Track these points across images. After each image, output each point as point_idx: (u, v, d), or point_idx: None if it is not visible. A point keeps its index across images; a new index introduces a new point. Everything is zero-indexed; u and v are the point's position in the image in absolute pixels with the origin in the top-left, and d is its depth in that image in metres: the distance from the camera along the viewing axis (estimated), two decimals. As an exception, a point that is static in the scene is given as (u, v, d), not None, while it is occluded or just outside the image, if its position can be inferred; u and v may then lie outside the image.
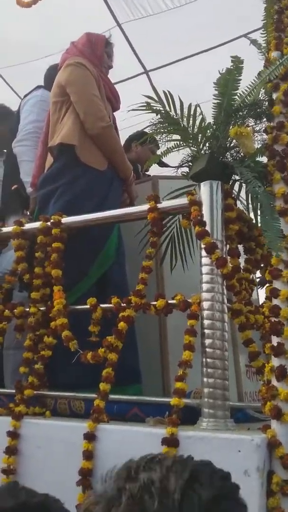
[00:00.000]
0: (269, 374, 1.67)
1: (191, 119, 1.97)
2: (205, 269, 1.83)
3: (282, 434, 1.59)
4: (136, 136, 3.60)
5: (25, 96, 3.25)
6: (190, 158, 2.07)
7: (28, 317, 2.25)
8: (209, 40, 4.50)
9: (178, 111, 1.99)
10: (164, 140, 2.12)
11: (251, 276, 2.08)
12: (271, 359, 1.69)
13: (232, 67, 1.94)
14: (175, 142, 2.09)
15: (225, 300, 1.82)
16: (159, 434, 1.66)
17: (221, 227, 1.87)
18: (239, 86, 1.97)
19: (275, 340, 1.69)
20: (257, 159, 1.95)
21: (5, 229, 2.48)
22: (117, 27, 4.54)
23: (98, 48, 2.82)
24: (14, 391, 2.15)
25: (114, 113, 2.84)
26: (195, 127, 1.98)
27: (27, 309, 2.26)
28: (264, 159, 1.94)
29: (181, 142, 2.07)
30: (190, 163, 2.06)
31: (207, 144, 2.00)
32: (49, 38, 4.27)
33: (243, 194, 2.03)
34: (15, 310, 2.28)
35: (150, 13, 4.49)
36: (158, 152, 2.77)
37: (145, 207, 2.06)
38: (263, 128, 1.99)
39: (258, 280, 2.24)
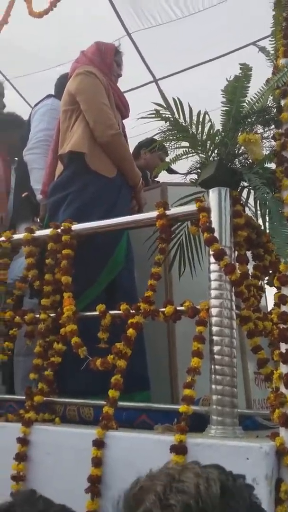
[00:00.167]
0: (277, 381, 1.66)
1: (199, 126, 1.98)
2: (213, 276, 1.83)
3: (291, 441, 1.57)
4: (145, 143, 3.63)
5: (36, 105, 3.30)
6: (198, 165, 2.07)
7: (38, 324, 2.26)
8: (218, 48, 4.51)
9: (187, 118, 2.00)
10: (173, 147, 2.13)
11: (259, 283, 2.08)
12: (280, 366, 1.68)
13: (240, 74, 1.95)
14: (184, 149, 2.10)
15: (234, 307, 1.82)
16: (168, 441, 1.65)
17: (230, 234, 1.87)
18: (247, 93, 1.97)
19: (283, 347, 1.68)
20: (266, 165, 1.94)
21: (16, 236, 2.50)
22: (126, 36, 4.57)
23: (107, 56, 2.85)
24: (24, 397, 2.16)
25: (123, 121, 2.87)
26: (204, 134, 1.98)
27: (37, 316, 2.27)
28: (272, 166, 1.94)
29: (189, 149, 2.07)
30: (199, 170, 2.06)
31: (215, 151, 2.00)
32: (59, 48, 4.32)
33: (251, 200, 2.03)
34: (26, 317, 2.29)
35: (159, 22, 4.52)
36: (167, 159, 2.78)
37: (154, 213, 2.07)
38: (272, 135, 1.99)
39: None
